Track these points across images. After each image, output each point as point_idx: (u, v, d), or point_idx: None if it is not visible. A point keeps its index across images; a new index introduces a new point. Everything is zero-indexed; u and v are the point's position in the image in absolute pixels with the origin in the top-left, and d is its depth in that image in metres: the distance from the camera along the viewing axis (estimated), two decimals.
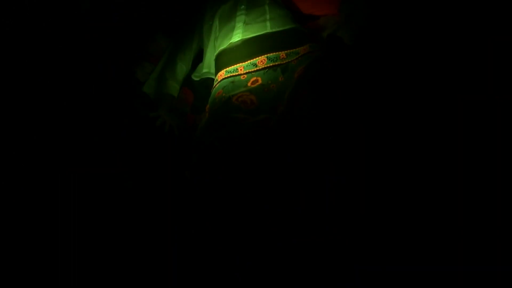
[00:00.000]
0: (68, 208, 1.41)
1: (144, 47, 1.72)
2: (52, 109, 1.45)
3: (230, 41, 1.51)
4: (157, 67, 1.68)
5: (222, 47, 1.51)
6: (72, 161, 1.45)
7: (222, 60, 1.50)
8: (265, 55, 1.45)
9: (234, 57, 1.47)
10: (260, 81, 1.41)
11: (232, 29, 1.53)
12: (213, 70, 1.63)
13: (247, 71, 1.44)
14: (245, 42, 1.48)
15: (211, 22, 1.65)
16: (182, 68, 1.68)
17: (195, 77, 1.69)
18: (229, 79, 1.46)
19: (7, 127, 1.33)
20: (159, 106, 1.57)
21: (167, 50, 1.72)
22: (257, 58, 1.44)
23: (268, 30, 1.50)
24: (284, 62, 1.45)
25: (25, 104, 1.37)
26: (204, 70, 1.67)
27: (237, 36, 1.51)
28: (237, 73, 1.45)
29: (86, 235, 1.36)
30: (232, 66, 1.45)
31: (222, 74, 1.45)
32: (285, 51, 1.46)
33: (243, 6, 1.59)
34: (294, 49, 1.46)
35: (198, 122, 1.54)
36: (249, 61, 1.44)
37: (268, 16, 1.54)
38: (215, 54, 1.55)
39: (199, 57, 1.80)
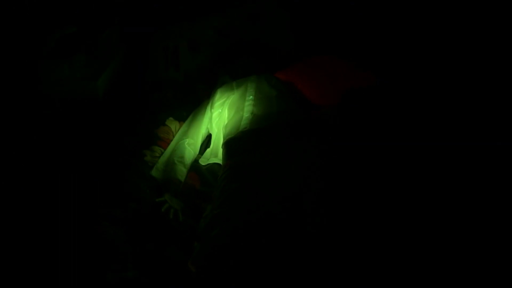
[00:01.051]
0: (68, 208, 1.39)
1: (153, 133, 1.74)
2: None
3: (238, 131, 1.53)
4: (166, 151, 1.69)
5: (230, 136, 1.53)
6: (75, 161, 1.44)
7: (230, 149, 1.51)
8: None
9: (242, 146, 1.48)
10: None
11: (240, 119, 1.56)
12: (220, 157, 1.65)
13: None
14: (253, 132, 1.51)
15: (220, 110, 1.69)
16: (190, 153, 1.69)
17: (202, 162, 1.70)
18: None
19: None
20: (165, 191, 1.56)
21: (177, 134, 1.75)
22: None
23: (275, 121, 1.53)
24: None
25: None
26: (212, 158, 1.69)
27: (245, 126, 1.54)
28: None
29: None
30: (240, 156, 1.46)
31: (229, 163, 1.45)
32: None
33: (251, 97, 1.64)
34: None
35: (204, 207, 1.52)
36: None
37: (275, 108, 1.58)
38: (223, 141, 1.56)
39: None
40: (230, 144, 1.52)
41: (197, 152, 1.75)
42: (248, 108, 1.60)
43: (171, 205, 1.48)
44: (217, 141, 1.69)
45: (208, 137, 1.83)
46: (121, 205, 1.48)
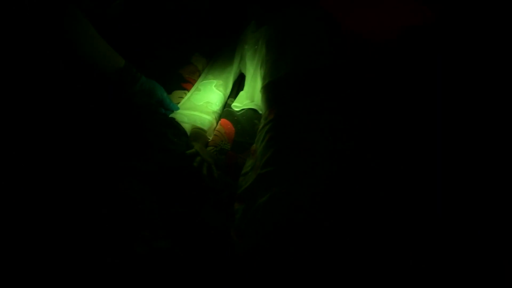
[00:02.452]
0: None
1: (177, 73, 1.47)
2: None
3: (281, 72, 1.27)
4: (189, 94, 1.45)
5: (271, 78, 1.28)
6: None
7: (273, 94, 1.26)
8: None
9: (288, 91, 1.23)
10: None
11: (282, 58, 1.30)
12: (258, 102, 1.41)
13: None
14: (299, 75, 1.25)
15: (256, 46, 1.42)
16: (219, 97, 1.45)
17: (236, 108, 1.46)
18: None
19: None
20: (194, 139, 1.33)
21: (202, 74, 1.50)
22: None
23: (326, 63, 1.27)
24: None
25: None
26: (247, 101, 1.44)
27: (289, 66, 1.28)
28: None
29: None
30: (285, 104, 1.21)
31: (274, 111, 1.21)
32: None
33: (294, 31, 1.37)
34: None
35: (241, 163, 1.29)
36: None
37: (325, 47, 1.32)
38: (262, 84, 1.31)
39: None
40: (272, 88, 1.27)
41: (228, 95, 1.50)
42: (291, 44, 1.32)
43: (204, 158, 1.24)
44: (253, 83, 1.42)
45: (240, 77, 1.57)
46: (144, 157, 1.23)
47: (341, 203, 0.96)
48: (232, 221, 1.11)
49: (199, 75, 1.51)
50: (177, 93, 1.43)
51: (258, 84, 1.39)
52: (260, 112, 1.40)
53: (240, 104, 1.44)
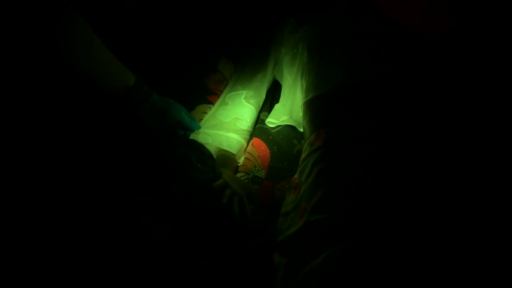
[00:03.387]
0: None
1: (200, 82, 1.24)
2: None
3: (329, 85, 1.02)
4: (215, 107, 1.22)
5: (317, 92, 1.04)
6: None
7: (320, 111, 1.02)
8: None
9: (340, 109, 0.99)
10: None
11: (331, 66, 1.06)
12: (297, 118, 1.17)
13: None
14: (354, 88, 1.01)
15: (295, 50, 1.17)
16: (250, 112, 1.21)
17: (270, 124, 1.22)
18: None
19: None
20: (221, 165, 1.10)
21: (228, 84, 1.28)
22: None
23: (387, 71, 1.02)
24: None
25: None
26: (284, 117, 1.19)
27: (340, 77, 1.03)
28: None
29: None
30: (338, 125, 0.97)
31: (322, 135, 0.97)
32: None
33: (344, 33, 1.12)
34: None
35: (278, 196, 1.07)
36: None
37: (382, 52, 1.07)
38: (305, 99, 1.06)
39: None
40: (318, 104, 1.03)
41: (260, 109, 1.26)
42: (340, 49, 1.07)
43: (234, 190, 1.01)
44: (292, 95, 1.19)
45: (275, 85, 1.33)
46: (163, 189, 1.03)
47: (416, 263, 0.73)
48: (270, 276, 0.89)
49: (226, 85, 1.28)
50: (202, 107, 1.21)
51: (298, 97, 1.15)
52: (301, 130, 1.17)
53: (275, 120, 1.20)
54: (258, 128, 1.21)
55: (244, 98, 1.22)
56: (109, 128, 1.08)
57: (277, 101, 1.25)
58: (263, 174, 1.11)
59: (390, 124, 0.92)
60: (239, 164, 1.14)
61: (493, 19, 1.03)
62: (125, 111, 1.03)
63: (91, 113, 1.08)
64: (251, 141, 1.18)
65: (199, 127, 1.14)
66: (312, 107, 1.04)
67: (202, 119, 1.18)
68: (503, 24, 1.02)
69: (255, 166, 1.12)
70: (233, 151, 1.13)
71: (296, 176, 1.00)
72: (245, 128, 1.18)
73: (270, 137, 1.18)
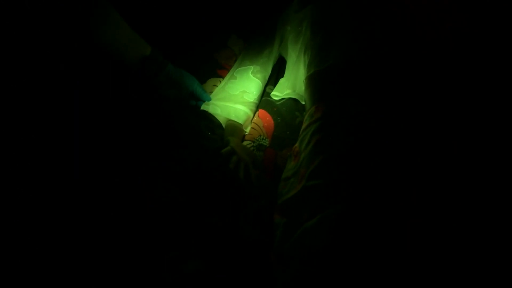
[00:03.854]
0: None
1: (212, 57, 1.32)
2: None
3: (330, 61, 1.09)
4: (225, 81, 1.30)
5: (318, 67, 1.11)
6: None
7: (320, 86, 1.09)
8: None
9: (338, 85, 1.06)
10: None
11: (332, 43, 1.13)
12: (300, 92, 1.25)
13: None
14: (354, 65, 1.07)
15: (300, 28, 1.24)
16: (257, 85, 1.29)
17: (275, 97, 1.31)
18: None
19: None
20: (229, 133, 1.19)
21: (237, 60, 1.35)
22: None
23: (387, 50, 1.09)
24: None
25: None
26: (287, 91, 1.28)
27: (341, 54, 1.10)
28: None
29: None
30: (336, 99, 1.04)
31: (322, 108, 1.06)
32: None
33: (347, 10, 1.18)
34: None
35: (280, 163, 1.16)
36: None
37: (385, 28, 1.13)
38: (307, 73, 1.14)
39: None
40: (318, 79, 1.11)
41: (266, 83, 1.34)
42: (340, 27, 1.13)
43: (241, 157, 1.11)
44: (295, 71, 1.26)
45: (280, 62, 1.40)
46: (176, 156, 1.10)
47: (404, 229, 0.81)
48: (271, 235, 0.98)
49: (236, 60, 1.36)
50: (212, 81, 1.29)
51: (301, 72, 1.23)
52: (303, 103, 1.25)
53: (280, 93, 1.29)
54: (264, 101, 1.30)
55: (251, 73, 1.29)
56: (126, 97, 1.14)
57: (282, 76, 1.33)
58: (267, 142, 1.20)
59: (385, 101, 1.00)
60: (245, 133, 1.23)
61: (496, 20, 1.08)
62: (141, 81, 1.09)
63: (109, 81, 1.14)
64: (257, 112, 1.26)
65: (210, 99, 1.21)
66: (313, 81, 1.12)
67: (212, 92, 1.26)
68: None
69: (260, 135, 1.21)
70: (240, 121, 1.21)
71: (296, 144, 1.08)
72: (252, 100, 1.26)
73: (275, 108, 1.27)
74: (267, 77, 1.33)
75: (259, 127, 1.23)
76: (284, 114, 1.25)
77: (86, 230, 0.90)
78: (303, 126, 1.08)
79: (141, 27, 1.05)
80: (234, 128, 1.21)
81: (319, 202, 0.89)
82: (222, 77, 1.30)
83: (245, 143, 1.19)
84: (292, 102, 1.28)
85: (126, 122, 1.10)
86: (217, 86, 1.28)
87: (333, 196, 0.87)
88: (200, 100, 1.19)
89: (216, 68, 1.31)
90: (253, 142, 1.19)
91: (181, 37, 1.31)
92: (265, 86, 1.33)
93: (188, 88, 1.15)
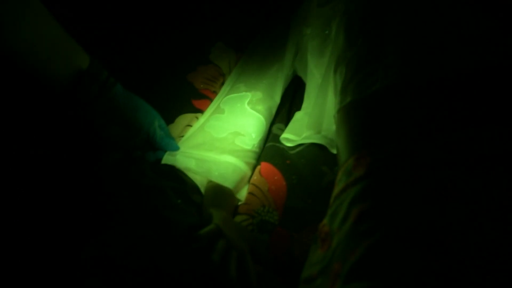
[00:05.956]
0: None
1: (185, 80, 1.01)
2: None
3: (376, 84, 0.75)
4: (205, 117, 0.97)
5: (359, 95, 0.76)
6: None
7: (365, 124, 0.75)
8: None
9: (394, 120, 0.72)
10: None
11: (380, 57, 0.77)
12: (329, 134, 0.91)
13: None
14: (413, 90, 0.73)
15: (327, 32, 0.91)
16: (257, 123, 0.96)
17: (288, 143, 0.95)
18: None
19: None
20: (210, 204, 0.84)
21: (226, 82, 1.03)
22: None
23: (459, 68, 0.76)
24: None
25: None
26: (307, 132, 0.93)
27: (395, 74, 0.75)
28: None
29: None
30: (392, 144, 0.70)
31: (366, 160, 0.70)
32: None
33: (398, 12, 0.84)
34: None
35: (298, 251, 0.82)
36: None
37: (453, 39, 0.79)
38: (341, 104, 0.78)
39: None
40: (362, 111, 0.76)
41: (272, 119, 0.99)
42: (397, 28, 0.78)
43: (231, 242, 0.77)
44: (320, 100, 0.91)
45: (294, 83, 1.06)
46: (119, 243, 0.76)
47: None
48: None
49: (223, 83, 1.02)
50: (184, 118, 0.95)
51: (330, 101, 0.89)
52: (333, 152, 0.92)
53: (295, 136, 0.95)
54: (270, 148, 0.95)
55: (248, 103, 0.97)
56: (34, 140, 0.83)
57: (298, 108, 1.00)
58: (276, 218, 0.86)
59: (478, 142, 0.66)
60: (239, 203, 0.89)
61: None
62: (66, 112, 0.80)
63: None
64: (258, 167, 0.91)
65: (177, 148, 0.87)
66: (352, 116, 0.77)
67: (183, 136, 0.92)
68: None
69: (264, 206, 0.87)
70: (230, 183, 0.87)
71: (325, 221, 0.74)
72: (249, 147, 0.93)
73: (288, 161, 0.93)
74: (274, 110, 1.00)
75: (261, 192, 0.88)
76: (303, 171, 0.92)
77: None
78: (336, 190, 0.75)
79: (77, 28, 0.78)
80: (220, 194, 0.88)
81: None
82: (201, 110, 0.97)
83: (238, 218, 0.86)
84: (315, 151, 0.95)
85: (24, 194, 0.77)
86: (192, 126, 0.94)
87: None
88: (160, 148, 0.86)
89: (191, 97, 0.97)
90: (253, 217, 0.85)
91: (135, 44, 1.00)
92: (271, 124, 1.00)
93: (142, 127, 0.82)
